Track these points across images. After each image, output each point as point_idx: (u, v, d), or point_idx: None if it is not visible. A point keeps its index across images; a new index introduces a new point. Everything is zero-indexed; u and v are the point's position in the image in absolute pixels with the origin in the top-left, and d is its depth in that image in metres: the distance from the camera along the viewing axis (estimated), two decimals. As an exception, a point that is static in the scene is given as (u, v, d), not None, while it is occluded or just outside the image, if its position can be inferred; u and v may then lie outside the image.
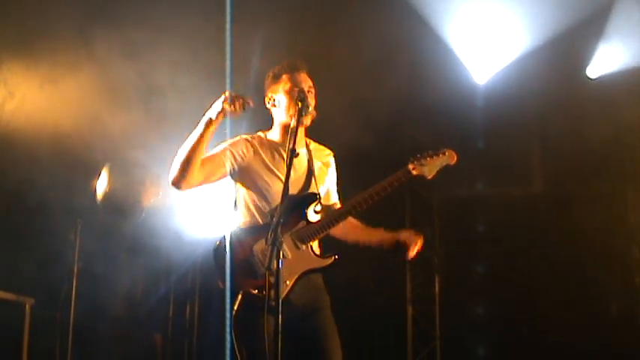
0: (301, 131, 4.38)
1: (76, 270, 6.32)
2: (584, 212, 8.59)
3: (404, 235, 4.36)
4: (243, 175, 4.31)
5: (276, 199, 4.14)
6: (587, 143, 8.25)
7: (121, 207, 6.65)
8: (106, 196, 6.66)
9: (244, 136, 4.39)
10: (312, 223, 4.21)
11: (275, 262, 3.45)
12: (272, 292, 3.59)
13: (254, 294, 3.96)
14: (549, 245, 8.69)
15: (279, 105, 4.35)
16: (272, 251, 3.46)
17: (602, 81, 8.40)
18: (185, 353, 8.98)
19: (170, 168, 4.17)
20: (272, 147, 4.36)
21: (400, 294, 9.18)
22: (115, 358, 6.65)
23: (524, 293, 8.66)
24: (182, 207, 7.66)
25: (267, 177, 4.26)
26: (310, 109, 4.19)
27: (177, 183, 4.17)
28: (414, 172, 4.20)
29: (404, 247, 4.33)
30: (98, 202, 6.68)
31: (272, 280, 3.51)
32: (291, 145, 3.82)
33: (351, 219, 4.41)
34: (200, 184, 4.22)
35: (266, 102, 4.42)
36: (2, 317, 6.68)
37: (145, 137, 7.04)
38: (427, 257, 9.27)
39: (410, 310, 9.18)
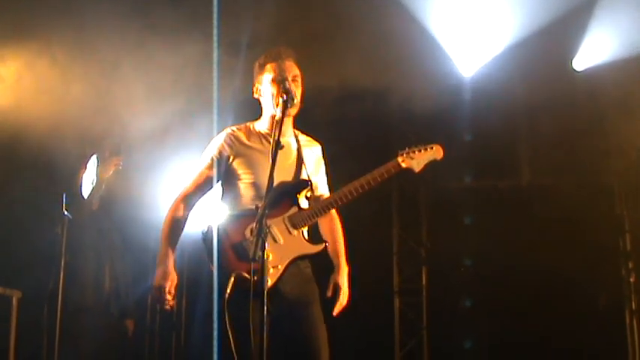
0: (289, 122, 4.44)
1: (63, 263, 6.29)
2: (571, 204, 8.62)
3: (334, 285, 4.46)
4: (230, 169, 4.35)
5: (263, 187, 4.12)
6: (573, 135, 8.28)
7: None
8: (94, 189, 6.64)
9: (228, 130, 4.44)
10: (303, 209, 4.26)
11: (260, 252, 3.46)
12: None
13: (245, 277, 3.95)
14: (536, 237, 8.71)
15: (265, 95, 4.39)
16: (257, 242, 3.47)
17: (589, 73, 8.42)
18: (172, 346, 8.97)
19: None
20: (260, 137, 4.40)
21: (388, 286, 9.21)
22: (101, 350, 6.62)
23: (511, 285, 8.69)
24: (168, 199, 7.65)
25: (254, 167, 4.29)
26: (296, 100, 4.22)
27: None
28: (403, 165, 4.31)
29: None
30: (85, 196, 6.65)
31: (264, 269, 3.55)
32: (276, 137, 3.85)
33: (339, 232, 4.59)
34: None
35: (253, 92, 4.47)
36: (-11, 311, 6.68)
37: (130, 129, 7.05)
38: (415, 249, 9.31)
39: (397, 301, 9.21)
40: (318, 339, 4.15)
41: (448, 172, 8.99)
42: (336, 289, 4.44)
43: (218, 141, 4.41)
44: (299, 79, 4.39)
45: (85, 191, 6.64)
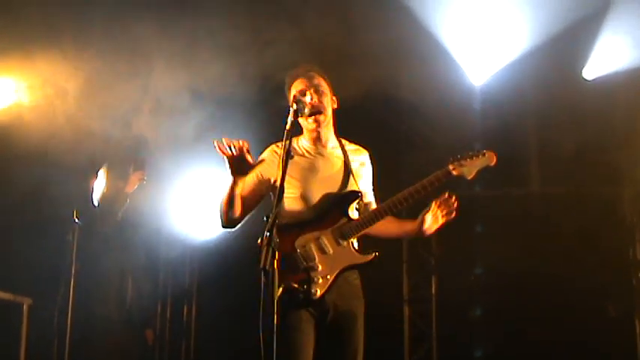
0: (329, 131, 4.53)
1: (73, 271, 6.32)
2: (581, 213, 8.60)
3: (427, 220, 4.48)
4: (276, 183, 4.36)
5: (310, 199, 4.30)
6: (584, 144, 8.26)
7: (113, 206, 6.65)
8: (103, 197, 6.66)
9: (272, 147, 4.49)
10: (353, 219, 4.29)
11: (270, 262, 3.47)
12: (311, 288, 4.05)
13: (295, 288, 4.04)
14: (547, 246, 8.69)
15: None
16: (267, 252, 3.48)
17: (599, 82, 8.41)
18: (182, 354, 8.99)
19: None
20: (304, 151, 4.47)
21: (397, 294, 9.19)
22: (111, 358, 6.64)
23: (521, 293, 8.66)
24: (181, 209, 7.68)
25: (299, 181, 4.34)
26: (306, 110, 4.22)
27: (227, 226, 4.38)
28: (455, 173, 4.36)
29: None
30: (96, 204, 6.68)
31: (274, 278, 3.53)
32: (287, 147, 3.87)
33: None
34: (249, 213, 4.41)
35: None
36: (0, 317, 6.70)
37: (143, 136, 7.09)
38: (424, 257, 9.29)
39: (407, 309, 9.19)
40: (359, 352, 4.29)
41: (458, 180, 8.97)
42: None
43: (263, 158, 4.43)
44: (322, 89, 4.45)
45: (96, 199, 6.68)
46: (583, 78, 8.51)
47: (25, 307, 6.82)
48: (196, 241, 8.40)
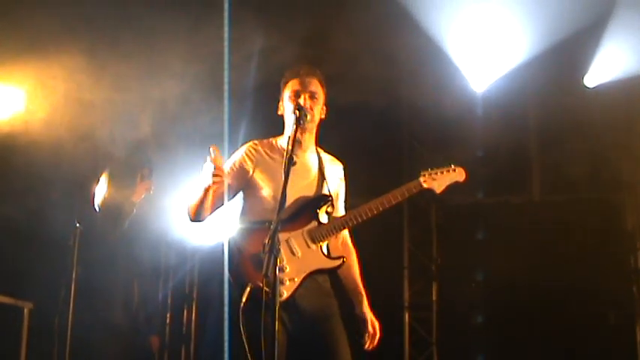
0: (311, 138, 4.49)
1: (74, 275, 6.31)
2: (582, 220, 8.61)
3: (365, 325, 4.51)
4: (252, 180, 4.38)
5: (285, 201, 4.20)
6: (585, 151, 8.27)
7: (117, 213, 6.64)
8: (105, 202, 6.65)
9: (250, 144, 4.47)
10: (323, 224, 4.28)
11: (273, 269, 3.47)
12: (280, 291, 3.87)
13: (260, 287, 3.94)
14: (547, 253, 8.69)
15: (286, 111, 4.41)
16: (269, 258, 3.47)
17: (600, 89, 8.42)
18: (182, 359, 8.98)
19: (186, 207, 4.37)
20: (282, 152, 4.33)
21: (397, 300, 9.19)
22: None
23: (522, 300, 8.66)
24: (179, 214, 7.68)
25: (275, 180, 4.28)
26: (309, 117, 4.22)
27: (194, 221, 4.38)
28: (425, 185, 4.38)
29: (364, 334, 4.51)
30: (97, 209, 6.68)
31: (275, 281, 3.54)
32: (289, 153, 3.85)
33: (356, 267, 4.58)
34: (216, 210, 4.37)
35: (277, 109, 4.49)
36: (0, 321, 6.69)
37: (145, 141, 7.09)
38: (425, 264, 9.29)
39: (407, 316, 9.19)
40: (340, 352, 4.17)
41: (459, 187, 8.95)
42: (363, 322, 4.50)
43: (240, 153, 4.44)
44: (318, 96, 4.40)
45: (97, 204, 6.67)
46: (584, 85, 8.53)
47: (25, 311, 6.81)
48: (196, 246, 8.39)
